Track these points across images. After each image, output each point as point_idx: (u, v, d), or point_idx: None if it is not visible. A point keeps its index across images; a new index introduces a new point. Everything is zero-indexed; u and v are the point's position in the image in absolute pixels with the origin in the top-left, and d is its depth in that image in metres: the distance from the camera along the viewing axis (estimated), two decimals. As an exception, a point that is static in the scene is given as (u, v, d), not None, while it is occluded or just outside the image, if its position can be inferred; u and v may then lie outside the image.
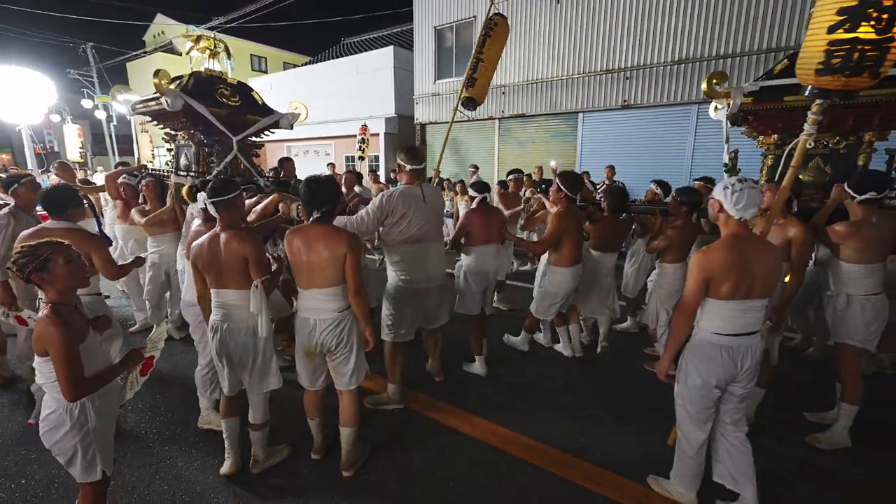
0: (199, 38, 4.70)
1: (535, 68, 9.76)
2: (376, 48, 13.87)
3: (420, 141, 11.90)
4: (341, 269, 2.15)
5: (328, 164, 10.74)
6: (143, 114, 4.58)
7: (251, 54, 22.02)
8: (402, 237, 2.73)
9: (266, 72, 21.79)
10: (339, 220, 2.61)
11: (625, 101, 8.82)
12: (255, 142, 5.02)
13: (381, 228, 2.77)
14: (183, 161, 4.75)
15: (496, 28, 4.03)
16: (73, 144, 11.07)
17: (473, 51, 4.16)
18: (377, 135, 11.91)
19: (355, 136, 9.45)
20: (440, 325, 3.10)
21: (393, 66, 11.86)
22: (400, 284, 2.84)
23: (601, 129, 9.33)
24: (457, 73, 10.98)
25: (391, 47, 12.00)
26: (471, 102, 4.18)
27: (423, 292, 2.86)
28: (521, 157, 10.17)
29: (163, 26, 22.26)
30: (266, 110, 4.83)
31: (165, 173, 4.52)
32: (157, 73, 3.90)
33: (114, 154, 15.00)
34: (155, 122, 4.72)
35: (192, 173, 4.51)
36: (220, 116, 4.27)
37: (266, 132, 4.92)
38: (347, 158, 13.52)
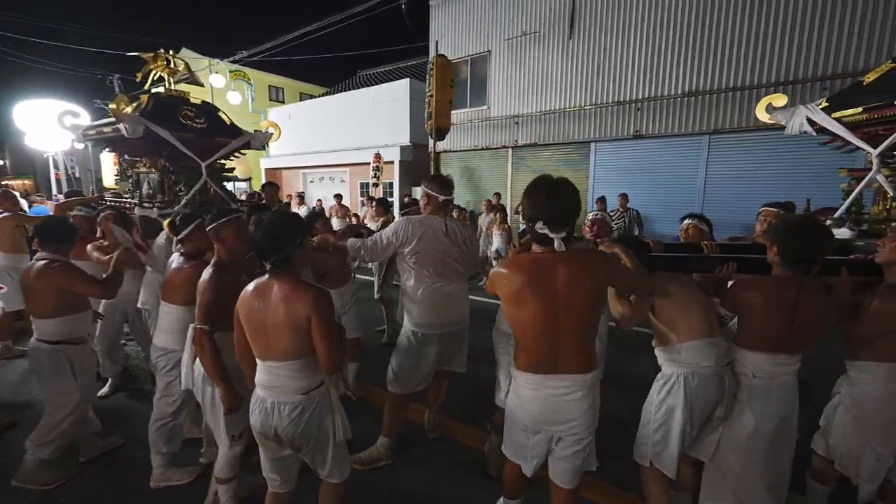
0: (155, 56, 4.48)
1: (549, 99, 10.10)
2: (391, 80, 14.40)
3: (434, 169, 12.22)
4: (304, 336, 1.63)
5: (335, 195, 10.76)
6: (96, 141, 4.29)
7: (269, 85, 22.89)
8: (417, 272, 2.47)
9: (283, 102, 22.58)
10: (352, 243, 2.54)
11: (636, 130, 9.07)
12: (224, 166, 4.80)
13: (403, 262, 2.52)
14: (145, 189, 4.40)
15: (439, 67, 4.24)
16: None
17: (429, 89, 4.34)
18: (391, 162, 12.26)
19: (370, 163, 9.75)
20: (450, 371, 2.76)
21: (409, 98, 12.30)
22: (413, 329, 2.51)
23: (612, 158, 9.55)
24: (471, 105, 11.37)
25: (407, 80, 12.47)
26: (438, 132, 4.37)
27: (438, 338, 2.54)
28: (534, 184, 10.41)
29: (188, 59, 23.29)
30: (235, 131, 4.62)
31: (127, 205, 4.25)
32: (113, 98, 3.66)
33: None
34: (109, 150, 4.51)
35: (157, 203, 4.23)
36: (185, 141, 3.97)
37: (237, 154, 4.70)
38: (362, 185, 13.87)
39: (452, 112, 11.82)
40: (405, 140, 12.40)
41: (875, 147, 2.14)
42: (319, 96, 17.39)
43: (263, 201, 4.91)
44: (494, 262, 8.09)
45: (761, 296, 1.81)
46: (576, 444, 1.70)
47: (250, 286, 1.73)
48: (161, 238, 3.14)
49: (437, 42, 9.92)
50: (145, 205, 4.24)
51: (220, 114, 4.80)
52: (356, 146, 13.33)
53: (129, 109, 3.83)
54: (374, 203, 9.19)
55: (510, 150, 10.88)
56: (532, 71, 10.21)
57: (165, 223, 3.08)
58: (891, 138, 2.02)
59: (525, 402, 1.69)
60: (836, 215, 2.66)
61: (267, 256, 1.66)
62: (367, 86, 15.06)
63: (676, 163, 8.80)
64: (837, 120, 2.40)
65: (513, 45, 10.44)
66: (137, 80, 4.76)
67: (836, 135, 2.59)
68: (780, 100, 2.98)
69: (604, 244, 1.89)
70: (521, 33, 10.26)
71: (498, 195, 9.47)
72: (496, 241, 7.98)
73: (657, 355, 2.03)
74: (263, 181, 15.06)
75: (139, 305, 3.35)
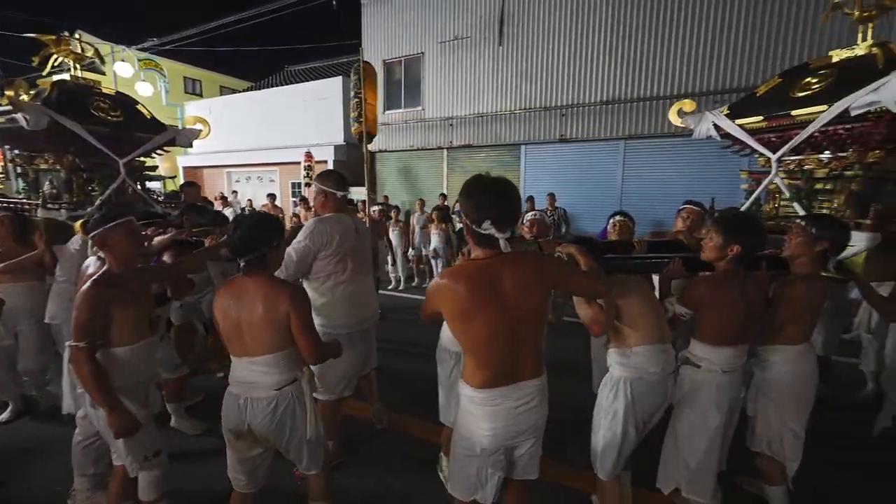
0: (58, 39, 4.06)
1: (481, 102, 10.43)
2: (322, 77, 14.02)
3: (369, 169, 12.10)
4: (282, 331, 1.69)
5: (268, 195, 10.33)
6: (-15, 134, 3.71)
7: (185, 76, 21.20)
8: (336, 273, 2.40)
9: (201, 95, 21.05)
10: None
11: (562, 134, 9.67)
12: (142, 164, 4.45)
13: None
14: (48, 189, 4.01)
15: (366, 72, 4.38)
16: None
17: (354, 92, 4.42)
18: (325, 162, 11.95)
19: (301, 162, 9.45)
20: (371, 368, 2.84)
21: (342, 96, 12.06)
22: (335, 333, 2.40)
23: (541, 160, 10.10)
24: (406, 105, 11.41)
25: (340, 78, 12.23)
26: (368, 136, 4.43)
27: (358, 336, 2.53)
28: (469, 185, 10.69)
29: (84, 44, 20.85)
30: (156, 126, 4.34)
31: (27, 206, 3.85)
32: (10, 84, 3.28)
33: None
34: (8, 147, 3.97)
35: (64, 204, 3.84)
36: (99, 135, 3.64)
37: (160, 151, 4.38)
38: (294, 185, 13.35)
39: (388, 112, 11.86)
40: (339, 139, 12.14)
41: (774, 152, 2.52)
42: (244, 91, 16.44)
43: (184, 202, 4.56)
44: (433, 262, 8.17)
45: (722, 292, 1.89)
46: (533, 445, 1.64)
47: (224, 286, 1.76)
48: (75, 243, 2.82)
49: (362, 49, 9.83)
50: (50, 206, 3.79)
51: (139, 107, 4.44)
52: (286, 144, 12.81)
53: (25, 97, 3.41)
54: (307, 204, 8.95)
55: (445, 150, 11.08)
56: (465, 74, 10.48)
57: (77, 225, 2.74)
58: (789, 144, 2.38)
59: (483, 422, 1.53)
60: (720, 214, 3.04)
61: (242, 255, 1.69)
62: (297, 82, 14.51)
63: (598, 165, 9.51)
64: (741, 126, 2.78)
65: (446, 48, 10.64)
66: (34, 64, 4.25)
67: (737, 140, 3.00)
68: (689, 106, 3.38)
69: (561, 246, 1.83)
70: (454, 37, 10.51)
71: (444, 196, 9.58)
72: (434, 241, 8.08)
73: (609, 357, 2.02)
74: (182, 180, 13.96)
75: (47, 320, 2.93)
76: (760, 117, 2.59)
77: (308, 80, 14.13)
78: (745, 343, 1.99)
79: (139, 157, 4.18)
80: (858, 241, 2.22)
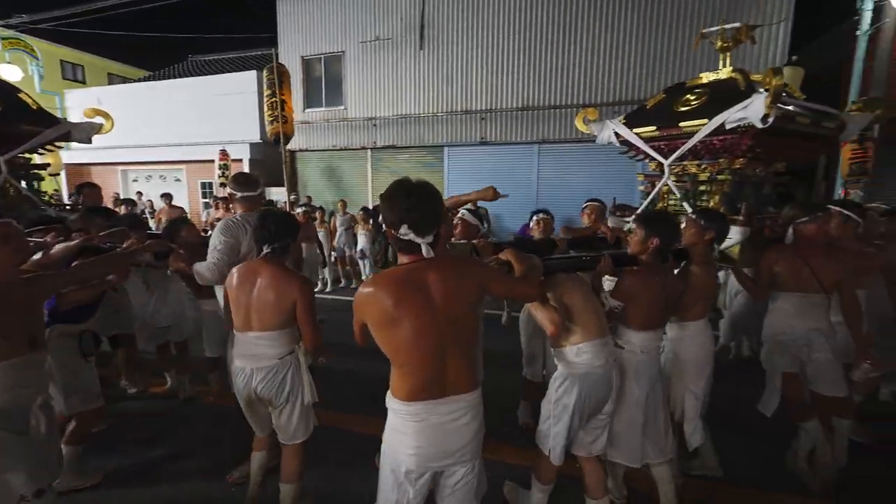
0: None
1: (404, 104, 10.56)
2: (232, 70, 13.20)
3: (289, 169, 11.65)
4: (288, 314, 1.98)
5: (163, 195, 9.05)
6: None
7: (62, 60, 18.63)
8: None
9: (84, 82, 18.65)
10: (196, 268, 2.34)
11: (482, 137, 10.14)
12: (27, 160, 4.01)
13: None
14: None
15: (283, 76, 4.35)
16: None
17: (268, 94, 4.34)
18: (240, 160, 11.29)
19: (213, 161, 8.85)
20: None
21: (256, 91, 11.47)
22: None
23: (464, 162, 10.49)
24: (327, 104, 11.18)
25: (254, 72, 11.61)
26: (285, 137, 4.36)
27: None
28: (394, 185, 10.76)
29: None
30: (46, 118, 3.93)
31: None
32: None
33: None
34: None
35: None
36: None
37: (49, 146, 3.97)
38: (203, 185, 12.41)
39: (308, 110, 11.52)
40: (255, 137, 11.53)
41: (666, 158, 2.98)
42: (139, 80, 14.88)
43: (81, 203, 4.10)
44: (361, 262, 8.12)
45: (648, 283, 2.09)
46: (468, 474, 1.51)
47: (242, 267, 2.03)
48: None
49: (276, 51, 9.52)
50: None
51: (22, 95, 3.97)
52: (195, 141, 11.87)
53: None
54: (224, 204, 8.35)
55: (369, 151, 11.04)
56: (387, 75, 10.55)
57: None
58: (679, 151, 2.84)
59: (408, 439, 1.44)
60: (639, 211, 3.47)
61: (270, 243, 1.98)
62: (203, 74, 13.52)
63: (515, 167, 10.12)
64: (637, 135, 3.23)
65: (367, 48, 10.62)
66: None
67: (633, 146, 3.45)
68: (593, 114, 3.79)
69: (502, 254, 1.79)
70: (375, 38, 10.52)
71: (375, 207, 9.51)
72: (361, 241, 8.06)
73: (556, 355, 2.09)
74: (65, 179, 12.32)
75: None
76: (654, 127, 3.05)
77: (216, 73, 13.21)
78: (662, 328, 2.24)
79: (24, 153, 3.73)
80: (734, 235, 2.71)
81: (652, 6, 8.61)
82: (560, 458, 2.06)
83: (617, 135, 3.52)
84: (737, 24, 3.20)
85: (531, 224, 3.32)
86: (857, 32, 7.21)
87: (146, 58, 22.00)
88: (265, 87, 4.27)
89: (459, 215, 2.94)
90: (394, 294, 1.38)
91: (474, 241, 2.29)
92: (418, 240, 1.39)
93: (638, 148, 3.40)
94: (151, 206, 9.95)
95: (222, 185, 8.56)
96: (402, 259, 1.46)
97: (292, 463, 2.14)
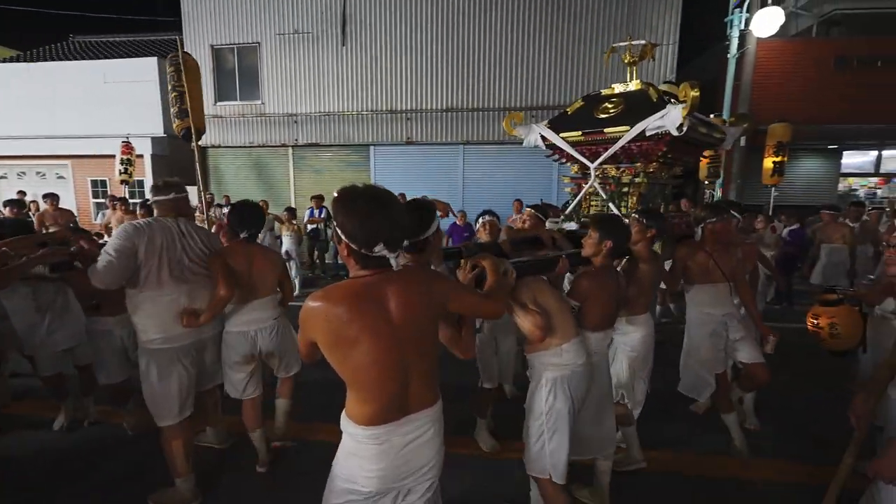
0: None
1: (327, 101, 10.29)
2: (127, 55, 11.89)
3: (201, 166, 10.76)
4: (275, 281, 2.62)
5: (45, 196, 7.39)
6: None
7: None
8: (153, 280, 2.18)
9: (-75, 60, 15.52)
10: (90, 269, 2.14)
11: (408, 137, 10.23)
12: None
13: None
14: None
15: (187, 64, 3.97)
16: None
17: (172, 84, 3.96)
18: (141, 156, 10.21)
19: (108, 155, 7.89)
20: (213, 388, 2.70)
21: (158, 80, 10.45)
22: (153, 349, 2.24)
23: (391, 161, 10.50)
24: (242, 98, 10.53)
25: (155, 58, 10.56)
26: (196, 132, 3.95)
27: (188, 351, 2.33)
28: (318, 184, 10.45)
29: None
30: None
31: None
32: None
33: None
34: None
35: None
36: None
37: None
38: (95, 183, 11.00)
39: (221, 104, 10.74)
40: (158, 130, 10.50)
41: (592, 161, 3.31)
42: (6, 60, 12.74)
43: None
44: (287, 265, 7.82)
45: (603, 283, 2.14)
46: (427, 492, 1.44)
47: (238, 250, 2.46)
48: None
49: (180, 39, 8.86)
50: None
51: None
52: (82, 133, 10.48)
53: None
54: (123, 205, 7.46)
55: (291, 148, 10.60)
56: (308, 71, 10.21)
57: None
58: (605, 154, 3.18)
59: (369, 464, 1.35)
60: (567, 212, 3.76)
61: (250, 228, 2.51)
62: (89, 57, 11.97)
63: (441, 167, 10.37)
64: (564, 139, 3.54)
65: (285, 41, 10.18)
66: None
67: (559, 150, 3.76)
68: (519, 117, 4.00)
69: (481, 257, 1.70)
70: (294, 31, 10.12)
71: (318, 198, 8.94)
72: (286, 243, 7.76)
73: (535, 362, 2.01)
74: None
75: None
76: (579, 132, 3.36)
77: (105, 57, 11.79)
78: (612, 327, 2.28)
79: None
80: None
81: (565, 21, 9.34)
82: (563, 475, 1.93)
83: (543, 138, 3.76)
84: (642, 42, 3.64)
85: (477, 226, 3.29)
86: (728, 56, 8.46)
87: (16, 35, 18.86)
88: (169, 77, 3.89)
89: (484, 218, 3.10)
90: (349, 312, 1.25)
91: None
92: (390, 255, 1.31)
93: (563, 151, 3.69)
94: (37, 208, 8.53)
95: (123, 182, 7.66)
96: (360, 272, 1.33)
97: (288, 385, 2.83)
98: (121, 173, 7.42)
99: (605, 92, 3.68)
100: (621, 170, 3.36)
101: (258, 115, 10.49)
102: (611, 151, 3.07)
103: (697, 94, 2.59)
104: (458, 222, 8.08)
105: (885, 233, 5.54)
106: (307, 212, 9.01)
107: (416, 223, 1.60)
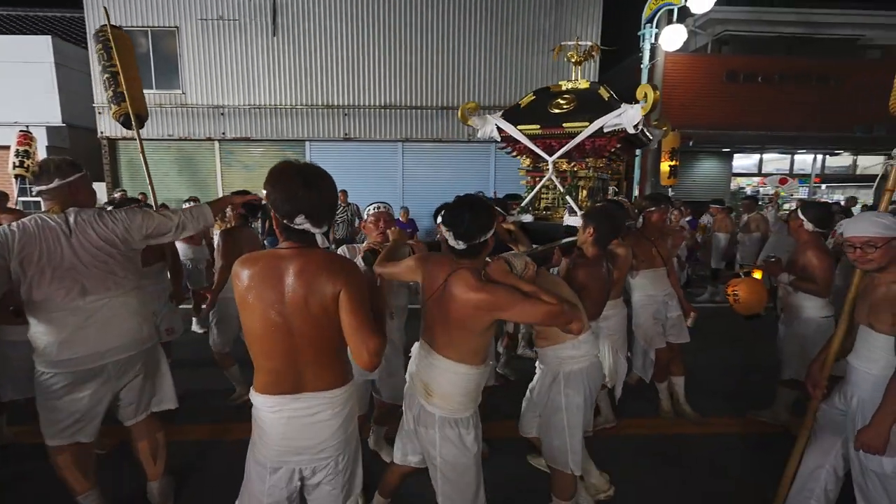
0: None
1: (258, 94, 9.77)
2: (12, 31, 10.36)
3: (109, 159, 9.69)
4: None
5: None
6: None
7: None
8: (42, 291, 1.79)
9: None
10: None
11: (346, 133, 10.05)
12: None
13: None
14: None
15: (118, 41, 3.59)
16: None
17: (103, 65, 3.51)
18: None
19: (12, 147, 6.91)
20: (149, 420, 2.17)
21: (53, 62, 9.24)
22: (48, 371, 1.85)
23: (328, 157, 10.18)
24: (159, 86, 9.65)
25: (48, 37, 9.32)
26: (137, 119, 3.44)
27: (95, 375, 1.91)
28: (249, 180, 9.90)
29: None
30: None
31: None
32: None
33: None
34: None
35: None
36: None
37: None
38: (-28, 178, 9.42)
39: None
40: (55, 119, 9.28)
41: (550, 155, 3.50)
42: None
43: None
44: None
45: (596, 273, 2.17)
46: (330, 472, 1.45)
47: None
48: None
49: (105, 8, 8.03)
50: None
51: None
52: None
53: None
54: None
55: (217, 143, 9.92)
56: (236, 60, 9.63)
57: None
58: (563, 149, 3.36)
59: (265, 429, 1.41)
60: (523, 204, 3.89)
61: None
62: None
63: (381, 164, 10.33)
64: (522, 132, 3.68)
65: (209, 27, 9.51)
66: None
67: (516, 142, 3.90)
68: (473, 107, 3.86)
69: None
70: (218, 17, 9.50)
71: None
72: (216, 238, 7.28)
73: (551, 356, 2.02)
74: None
75: None
76: (537, 126, 3.53)
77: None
78: (600, 315, 2.35)
79: None
80: None
81: (498, 25, 9.75)
82: (580, 465, 1.99)
83: (500, 130, 3.84)
84: (589, 43, 3.92)
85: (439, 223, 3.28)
86: (641, 66, 9.38)
87: None
88: (98, 57, 3.45)
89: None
90: (250, 279, 1.33)
91: (410, 242, 2.05)
92: (315, 230, 1.35)
93: (518, 144, 3.84)
94: None
95: (18, 177, 6.69)
96: (282, 244, 1.38)
97: None
98: (15, 166, 6.43)
99: (553, 88, 3.82)
100: (572, 164, 3.60)
101: (179, 106, 9.68)
102: (571, 145, 3.27)
103: (658, 95, 2.85)
104: (401, 218, 8.12)
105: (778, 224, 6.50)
106: (239, 210, 8.52)
107: (483, 222, 1.54)
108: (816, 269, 2.70)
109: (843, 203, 9.66)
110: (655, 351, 3.22)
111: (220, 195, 9.87)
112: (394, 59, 9.80)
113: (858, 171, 12.50)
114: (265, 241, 8.65)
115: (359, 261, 1.98)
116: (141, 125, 3.30)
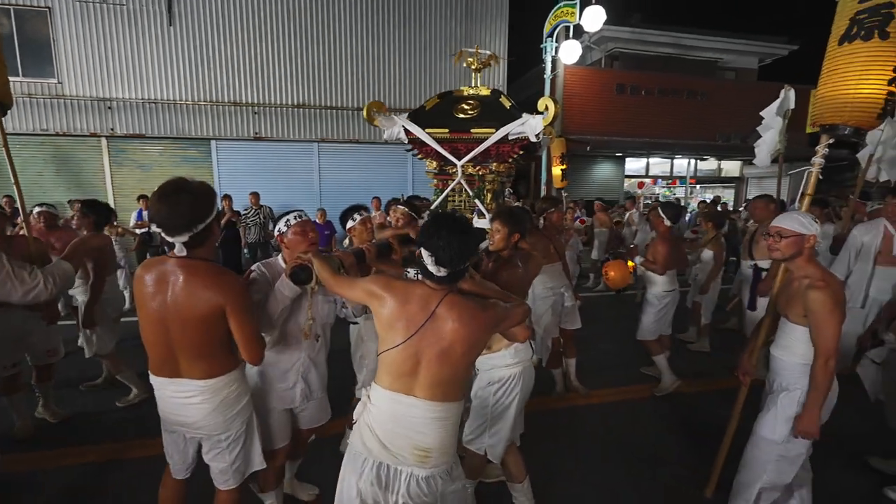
0: None
1: (151, 87, 8.97)
2: None
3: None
4: None
5: None
6: None
7: None
8: None
9: None
10: None
11: (256, 133, 9.62)
12: None
13: None
14: None
15: None
16: None
17: None
18: None
19: None
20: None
21: None
22: None
23: (237, 157, 9.71)
24: (26, 73, 8.48)
25: None
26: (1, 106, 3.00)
27: None
28: (146, 181, 9.07)
29: None
30: None
31: None
32: None
33: None
34: None
35: None
36: None
37: None
38: None
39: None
40: None
41: (458, 159, 3.72)
42: None
43: None
44: (118, 274, 6.74)
45: (515, 273, 2.23)
46: (215, 447, 1.75)
47: None
48: None
49: None
50: None
51: None
52: None
53: None
54: None
55: (105, 139, 8.94)
56: (125, 49, 8.75)
57: None
58: (472, 153, 3.58)
59: (159, 402, 1.74)
60: (433, 207, 4.05)
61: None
62: None
63: (296, 164, 10.04)
64: (430, 135, 3.85)
65: (90, 10, 8.56)
66: None
67: (423, 145, 4.07)
68: (380, 106, 3.68)
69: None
70: (101, 0, 8.59)
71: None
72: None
73: (492, 361, 2.13)
74: None
75: None
76: (446, 129, 3.71)
77: None
78: None
79: None
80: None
81: (411, 29, 9.97)
82: (500, 455, 2.16)
83: (407, 132, 3.74)
84: (488, 52, 4.22)
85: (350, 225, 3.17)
86: (544, 76, 10.16)
87: None
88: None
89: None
90: (143, 282, 1.59)
91: (336, 253, 1.91)
92: (169, 238, 1.52)
93: (425, 147, 3.98)
94: None
95: None
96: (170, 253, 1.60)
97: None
98: None
99: (456, 93, 3.95)
100: (477, 168, 3.88)
101: (54, 97, 8.58)
102: (478, 150, 3.48)
103: (558, 108, 3.16)
104: (318, 220, 7.99)
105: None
106: (134, 214, 7.81)
107: (472, 248, 1.48)
108: (658, 254, 3.49)
109: (708, 201, 11.27)
110: (552, 340, 3.62)
111: (110, 195, 8.95)
112: (306, 58, 9.58)
113: (723, 174, 14.66)
114: (245, 251, 8.13)
115: (283, 281, 1.81)
116: (3, 113, 2.88)
